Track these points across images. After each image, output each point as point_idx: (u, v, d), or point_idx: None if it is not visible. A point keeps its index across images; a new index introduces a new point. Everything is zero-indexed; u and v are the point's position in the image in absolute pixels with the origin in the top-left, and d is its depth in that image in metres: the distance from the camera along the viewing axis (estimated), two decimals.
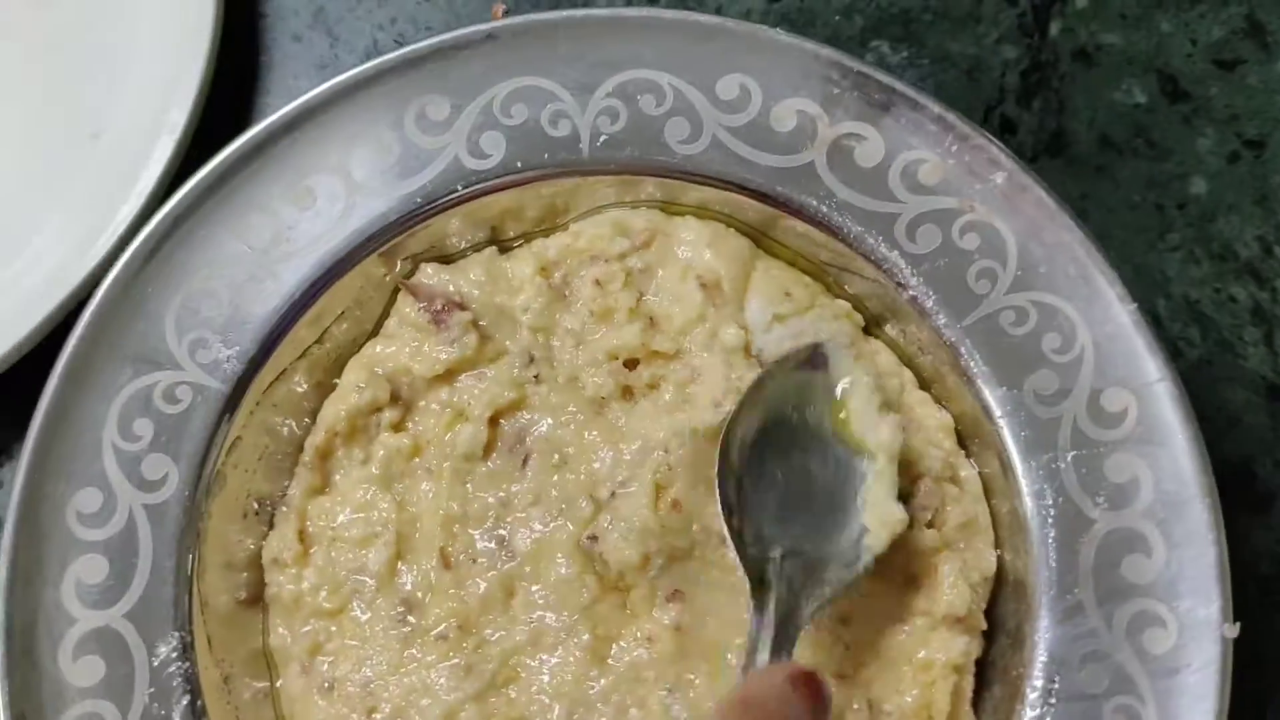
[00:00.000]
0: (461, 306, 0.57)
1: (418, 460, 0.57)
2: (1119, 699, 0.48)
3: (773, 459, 0.52)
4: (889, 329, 0.57)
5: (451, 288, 0.57)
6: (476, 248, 0.59)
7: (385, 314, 0.59)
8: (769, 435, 0.52)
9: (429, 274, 0.58)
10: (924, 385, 0.57)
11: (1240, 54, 0.68)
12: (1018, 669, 0.50)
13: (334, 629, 0.55)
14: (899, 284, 0.54)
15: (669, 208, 0.58)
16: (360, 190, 0.56)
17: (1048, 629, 0.50)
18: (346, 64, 0.69)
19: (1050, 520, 0.51)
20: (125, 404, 0.53)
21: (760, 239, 0.58)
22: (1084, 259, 0.52)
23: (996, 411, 0.52)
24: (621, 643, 0.53)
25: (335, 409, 0.57)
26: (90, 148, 0.65)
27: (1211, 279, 0.65)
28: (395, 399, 0.57)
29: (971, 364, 0.53)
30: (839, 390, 0.53)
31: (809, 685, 0.42)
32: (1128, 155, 0.66)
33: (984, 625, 0.53)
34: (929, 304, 0.54)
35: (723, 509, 0.50)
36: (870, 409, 0.52)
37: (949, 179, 0.54)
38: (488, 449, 0.56)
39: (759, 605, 0.48)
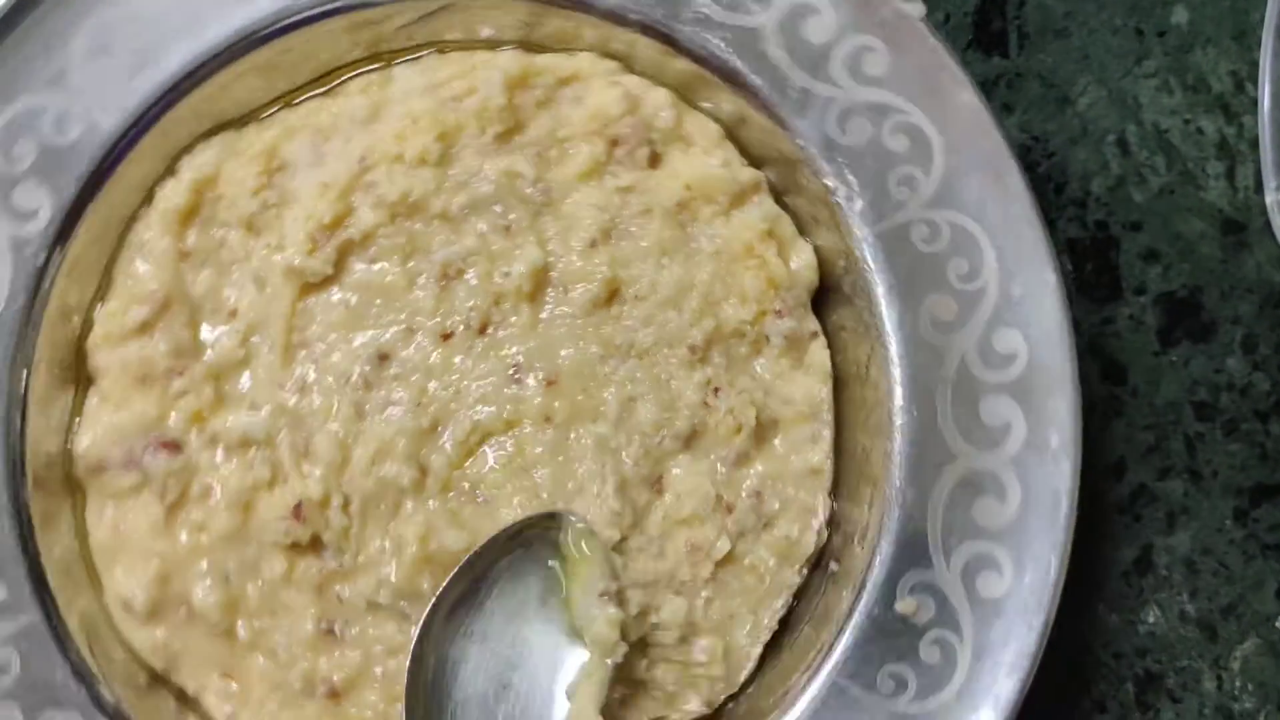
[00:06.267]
0: None
1: None
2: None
3: (481, 637, 0.46)
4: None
5: None
6: None
7: None
8: (480, 608, 0.46)
9: None
10: None
11: None
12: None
13: None
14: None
15: None
16: None
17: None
18: None
19: None
20: None
21: None
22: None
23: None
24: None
25: None
26: None
27: (1183, 109, 0.65)
28: None
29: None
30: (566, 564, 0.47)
31: None
32: None
33: None
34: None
35: (408, 692, 0.45)
36: (592, 594, 0.46)
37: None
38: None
39: None
